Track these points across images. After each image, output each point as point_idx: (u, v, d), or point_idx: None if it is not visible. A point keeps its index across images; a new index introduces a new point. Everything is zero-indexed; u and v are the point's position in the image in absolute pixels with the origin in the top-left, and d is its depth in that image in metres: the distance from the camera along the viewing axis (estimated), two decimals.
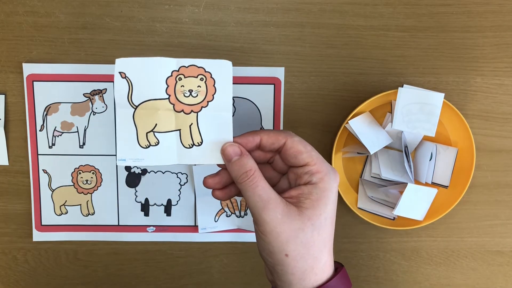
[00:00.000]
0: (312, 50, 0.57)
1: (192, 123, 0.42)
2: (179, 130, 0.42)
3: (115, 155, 0.42)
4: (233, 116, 0.57)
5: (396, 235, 0.61)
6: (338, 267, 0.42)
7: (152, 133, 0.42)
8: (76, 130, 0.58)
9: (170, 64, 0.41)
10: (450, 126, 0.57)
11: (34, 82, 0.57)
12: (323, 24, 0.56)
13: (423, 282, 0.62)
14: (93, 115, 0.58)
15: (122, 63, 0.41)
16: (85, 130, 0.58)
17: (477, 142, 0.57)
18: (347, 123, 0.54)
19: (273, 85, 0.57)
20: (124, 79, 0.41)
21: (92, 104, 0.58)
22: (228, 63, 0.41)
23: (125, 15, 0.56)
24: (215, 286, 0.62)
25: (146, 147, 0.42)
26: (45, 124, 0.58)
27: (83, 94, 0.57)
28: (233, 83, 0.57)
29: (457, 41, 0.57)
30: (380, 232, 0.61)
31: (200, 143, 0.42)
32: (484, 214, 0.61)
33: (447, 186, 0.57)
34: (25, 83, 0.57)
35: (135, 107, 0.42)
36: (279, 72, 0.57)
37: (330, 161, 0.57)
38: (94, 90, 0.57)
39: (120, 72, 0.41)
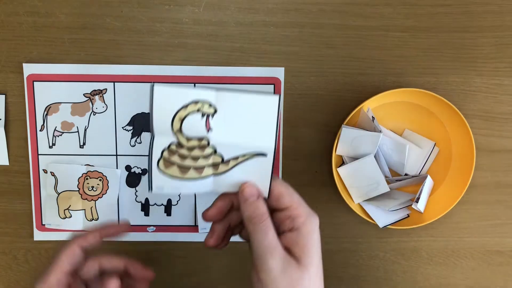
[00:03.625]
0: (312, 50, 0.57)
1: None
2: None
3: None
4: None
5: (396, 235, 0.61)
6: None
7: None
8: (77, 130, 0.58)
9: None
10: (450, 126, 0.57)
11: (34, 82, 0.57)
12: (323, 24, 0.56)
13: (423, 282, 0.62)
14: (93, 115, 0.58)
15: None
16: (85, 130, 0.58)
17: (477, 142, 0.57)
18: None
19: (273, 85, 0.57)
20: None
21: (92, 104, 0.58)
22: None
23: (125, 15, 0.56)
24: (215, 286, 0.62)
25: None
26: (45, 124, 0.58)
27: (83, 94, 0.57)
28: (234, 83, 0.57)
29: (457, 41, 0.57)
30: (380, 232, 0.61)
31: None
32: (484, 214, 0.61)
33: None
34: (25, 83, 0.57)
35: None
36: (279, 72, 0.57)
37: (330, 161, 0.57)
38: (94, 90, 0.57)
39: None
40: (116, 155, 0.59)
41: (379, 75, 0.58)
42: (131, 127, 0.58)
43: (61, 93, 0.57)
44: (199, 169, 0.40)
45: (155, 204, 0.60)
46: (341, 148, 0.55)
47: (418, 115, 0.57)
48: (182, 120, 0.38)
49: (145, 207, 0.60)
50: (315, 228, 0.40)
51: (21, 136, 0.58)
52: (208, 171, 0.40)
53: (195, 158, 0.40)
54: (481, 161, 0.59)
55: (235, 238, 0.61)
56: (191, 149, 0.39)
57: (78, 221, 0.60)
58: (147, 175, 0.40)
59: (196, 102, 0.38)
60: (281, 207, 0.40)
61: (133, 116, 0.58)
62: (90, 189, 0.59)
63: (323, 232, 0.61)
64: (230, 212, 0.43)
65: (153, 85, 0.37)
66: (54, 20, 0.56)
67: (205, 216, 0.42)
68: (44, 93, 0.57)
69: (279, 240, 0.39)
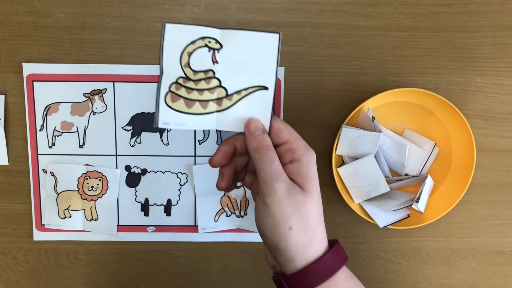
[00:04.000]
0: (312, 50, 0.57)
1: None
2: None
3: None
4: None
5: (396, 235, 0.61)
6: (333, 242, 0.44)
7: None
8: (76, 130, 0.58)
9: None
10: (450, 126, 0.57)
11: (34, 82, 0.57)
12: (323, 24, 0.56)
13: (423, 282, 0.62)
14: (93, 115, 0.58)
15: None
16: (85, 130, 0.58)
17: (477, 142, 0.57)
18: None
19: None
20: None
21: (92, 104, 0.58)
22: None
23: (125, 15, 0.56)
24: (215, 286, 0.62)
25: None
26: (45, 124, 0.58)
27: (83, 94, 0.57)
28: None
29: (457, 41, 0.57)
30: (380, 232, 0.61)
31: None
32: (484, 214, 0.61)
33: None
34: (25, 83, 0.57)
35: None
36: (279, 72, 0.57)
37: (330, 161, 0.57)
38: (94, 90, 0.57)
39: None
40: (116, 155, 0.59)
41: (380, 75, 0.57)
42: (130, 127, 0.58)
43: (60, 93, 0.57)
44: (204, 102, 0.42)
45: (155, 204, 0.60)
46: (341, 148, 0.55)
47: (418, 115, 0.57)
48: (190, 55, 0.41)
49: (145, 207, 0.60)
50: (314, 161, 0.42)
51: (20, 136, 0.58)
52: (212, 106, 0.42)
53: (201, 91, 0.42)
54: (481, 161, 0.59)
55: (234, 238, 0.61)
56: (197, 81, 0.42)
57: (77, 221, 0.60)
58: (154, 110, 0.42)
59: (203, 38, 0.41)
60: (281, 141, 0.42)
61: (133, 116, 0.58)
62: (89, 189, 0.59)
63: None
64: (234, 157, 0.45)
65: (164, 24, 0.40)
66: (53, 19, 0.56)
67: (212, 162, 0.44)
68: (44, 93, 0.57)
69: (283, 169, 0.41)
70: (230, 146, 0.44)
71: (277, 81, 0.42)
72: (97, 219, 0.60)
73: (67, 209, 0.60)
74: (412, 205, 0.56)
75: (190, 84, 0.42)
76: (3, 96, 0.57)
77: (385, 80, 0.58)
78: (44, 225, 0.60)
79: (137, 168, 0.59)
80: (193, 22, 0.56)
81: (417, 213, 0.57)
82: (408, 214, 0.57)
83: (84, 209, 0.60)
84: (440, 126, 0.57)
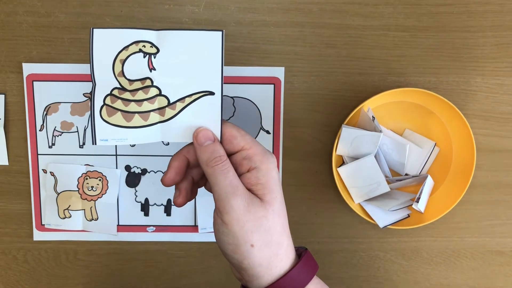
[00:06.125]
0: (312, 50, 0.57)
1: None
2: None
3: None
4: (232, 116, 0.58)
5: (396, 235, 0.61)
6: (302, 251, 0.42)
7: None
8: (76, 130, 0.58)
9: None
10: (450, 126, 0.57)
11: (34, 82, 0.57)
12: (323, 24, 0.56)
13: (423, 282, 0.62)
14: None
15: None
16: (85, 130, 0.58)
17: (477, 142, 0.57)
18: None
19: (273, 85, 0.57)
20: None
21: None
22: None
23: (125, 15, 0.56)
24: (215, 286, 0.62)
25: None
26: (45, 124, 0.58)
27: (83, 94, 0.57)
28: (233, 83, 0.57)
29: (457, 41, 0.57)
30: (380, 232, 0.61)
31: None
32: (484, 214, 0.61)
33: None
34: (25, 83, 0.57)
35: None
36: (279, 72, 0.57)
37: (331, 161, 0.57)
38: None
39: None
40: (116, 155, 0.59)
41: (380, 74, 0.57)
42: None
43: (60, 93, 0.57)
44: (145, 114, 0.39)
45: (155, 204, 0.60)
46: (341, 148, 0.55)
47: (418, 115, 0.57)
48: (123, 62, 0.38)
49: (145, 207, 0.60)
50: (274, 166, 0.39)
51: (20, 136, 0.58)
52: (154, 117, 0.39)
53: (139, 102, 0.38)
54: (481, 161, 0.59)
55: None
56: (134, 91, 0.38)
57: (77, 221, 0.60)
58: (90, 128, 0.39)
59: (137, 42, 0.37)
60: (235, 149, 0.39)
61: None
62: (89, 189, 0.59)
63: (323, 232, 0.61)
64: (188, 169, 0.42)
65: (92, 29, 0.37)
66: (54, 20, 0.56)
67: (164, 181, 0.41)
68: (44, 93, 0.57)
69: (240, 180, 0.38)
70: (182, 160, 0.41)
71: (223, 84, 0.38)
72: (97, 219, 0.60)
73: (67, 209, 0.60)
74: (412, 205, 0.56)
75: (127, 95, 0.38)
76: (3, 96, 0.57)
77: (385, 80, 0.58)
78: (44, 225, 0.60)
79: (137, 168, 0.59)
80: (193, 22, 0.56)
81: (417, 213, 0.57)
82: (408, 214, 0.57)
83: (84, 209, 0.60)
84: (440, 126, 0.57)
